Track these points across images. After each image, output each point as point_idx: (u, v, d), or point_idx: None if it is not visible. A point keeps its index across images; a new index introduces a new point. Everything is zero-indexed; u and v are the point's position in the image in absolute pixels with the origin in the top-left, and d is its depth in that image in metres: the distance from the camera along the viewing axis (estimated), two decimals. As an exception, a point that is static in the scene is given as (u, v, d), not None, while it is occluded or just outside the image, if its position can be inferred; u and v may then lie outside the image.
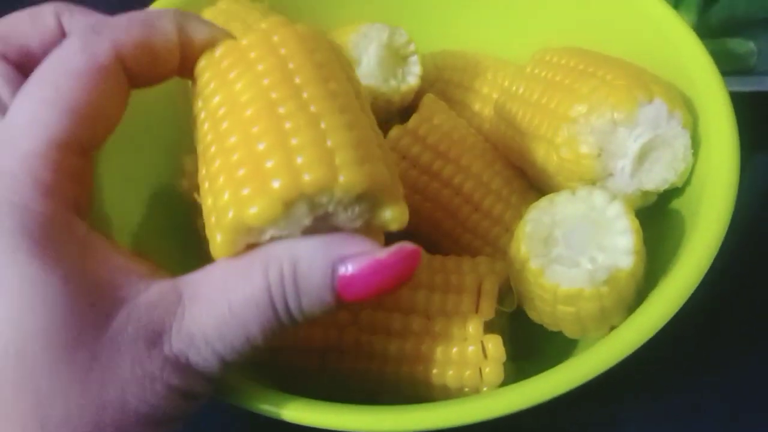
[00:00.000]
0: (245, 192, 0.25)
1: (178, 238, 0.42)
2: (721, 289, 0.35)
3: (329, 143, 0.26)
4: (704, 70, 0.37)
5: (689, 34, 0.38)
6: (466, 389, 0.35)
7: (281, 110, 0.27)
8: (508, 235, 0.40)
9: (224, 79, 0.28)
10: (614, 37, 0.42)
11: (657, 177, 0.36)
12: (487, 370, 0.34)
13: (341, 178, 0.25)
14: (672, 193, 0.37)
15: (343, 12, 0.47)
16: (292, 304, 0.26)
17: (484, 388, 0.35)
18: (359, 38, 0.40)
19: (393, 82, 0.41)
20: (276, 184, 0.25)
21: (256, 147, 0.26)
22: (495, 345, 0.34)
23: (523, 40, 0.47)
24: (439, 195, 0.40)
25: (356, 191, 0.26)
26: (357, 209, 0.27)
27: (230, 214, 0.26)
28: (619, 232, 0.31)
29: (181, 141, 0.41)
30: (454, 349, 0.35)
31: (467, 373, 0.35)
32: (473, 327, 0.34)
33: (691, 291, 0.31)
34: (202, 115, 0.29)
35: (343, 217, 0.27)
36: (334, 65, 0.29)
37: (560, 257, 0.32)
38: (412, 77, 0.42)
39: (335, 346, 0.36)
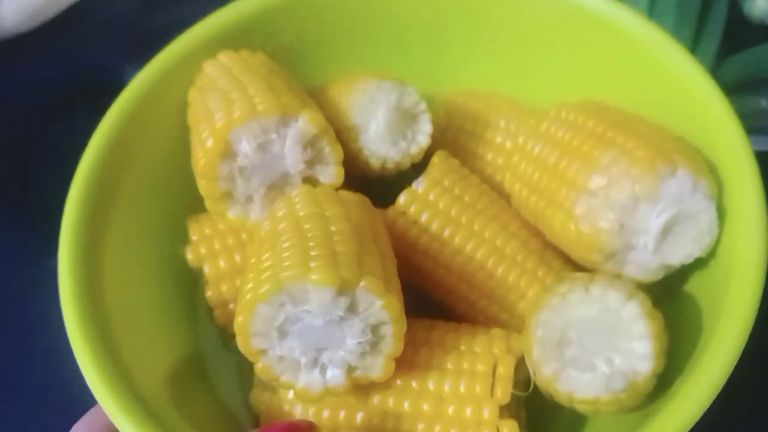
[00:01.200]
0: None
1: (181, 307, 0.41)
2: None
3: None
4: (730, 133, 0.36)
5: (716, 93, 0.37)
6: None
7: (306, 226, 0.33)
8: (525, 300, 0.38)
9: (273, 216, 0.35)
10: (636, 90, 0.40)
11: (681, 252, 0.34)
12: None
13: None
14: (696, 263, 0.35)
15: (347, 58, 0.46)
16: None
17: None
18: (366, 102, 0.39)
19: (402, 144, 0.40)
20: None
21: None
22: (511, 430, 0.33)
23: (540, 81, 0.45)
24: (453, 262, 0.39)
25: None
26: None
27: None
28: (636, 337, 0.30)
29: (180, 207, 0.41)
30: None
31: (482, 457, 0.33)
32: (489, 412, 0.33)
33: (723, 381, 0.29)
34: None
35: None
36: (363, 219, 0.35)
37: (574, 359, 0.31)
38: (423, 137, 0.40)
39: (345, 426, 0.34)
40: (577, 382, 0.30)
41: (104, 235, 0.38)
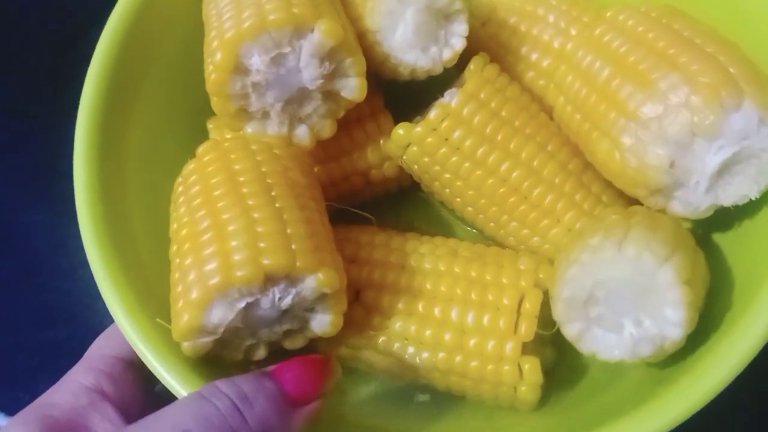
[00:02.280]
0: (209, 267, 0.29)
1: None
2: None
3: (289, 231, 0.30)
4: None
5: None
6: (501, 404, 0.34)
7: (251, 202, 0.30)
8: (560, 226, 0.36)
9: (203, 172, 0.32)
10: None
11: (736, 192, 0.31)
12: (523, 389, 0.33)
13: (298, 263, 0.29)
14: (750, 206, 0.32)
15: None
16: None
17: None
18: (393, 4, 0.34)
19: (434, 49, 0.35)
20: (240, 272, 0.28)
21: (226, 229, 0.30)
22: (532, 368, 0.33)
23: None
24: (484, 183, 0.36)
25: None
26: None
27: (194, 294, 0.29)
28: (670, 303, 0.28)
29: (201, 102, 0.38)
30: (489, 367, 0.33)
31: (502, 389, 0.33)
32: (511, 348, 0.33)
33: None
34: (180, 200, 0.32)
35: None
36: (276, 163, 0.33)
37: (601, 318, 0.29)
38: (457, 40, 0.36)
39: (368, 344, 0.35)
40: (601, 344, 0.29)
41: (124, 132, 0.37)
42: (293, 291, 0.30)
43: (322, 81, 0.33)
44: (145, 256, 0.35)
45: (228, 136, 0.36)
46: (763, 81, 0.30)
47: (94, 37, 0.38)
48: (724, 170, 0.30)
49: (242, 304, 0.29)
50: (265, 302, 0.30)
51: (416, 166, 0.37)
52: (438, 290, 0.34)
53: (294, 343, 0.32)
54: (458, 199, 0.38)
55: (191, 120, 0.40)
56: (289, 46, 0.32)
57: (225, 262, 0.29)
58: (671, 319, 0.28)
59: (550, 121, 0.38)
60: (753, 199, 0.31)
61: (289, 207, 0.31)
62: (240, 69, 0.32)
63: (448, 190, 0.38)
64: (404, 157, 0.37)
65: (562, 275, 0.30)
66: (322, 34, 0.32)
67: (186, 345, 0.30)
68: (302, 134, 0.35)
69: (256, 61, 0.32)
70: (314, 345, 0.34)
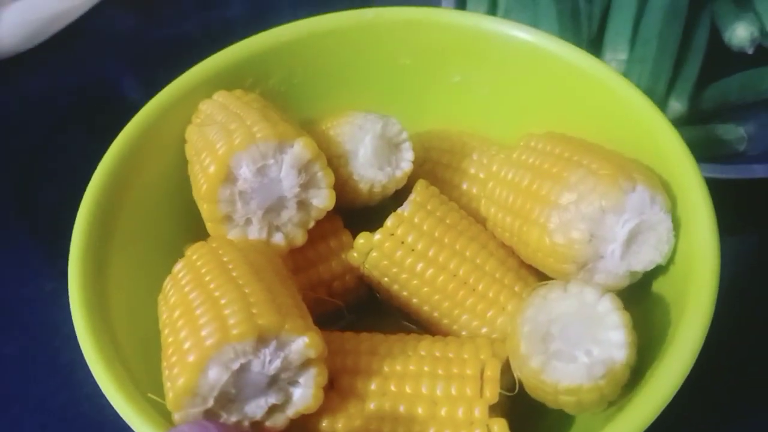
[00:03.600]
0: (205, 332, 0.32)
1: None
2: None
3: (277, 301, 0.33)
4: (681, 157, 0.40)
5: (665, 124, 0.41)
6: None
7: (241, 282, 0.35)
8: (504, 314, 0.42)
9: (193, 267, 0.37)
10: (595, 123, 0.45)
11: (644, 258, 0.38)
12: None
13: (287, 326, 0.32)
14: (657, 270, 0.39)
15: (334, 99, 0.50)
16: None
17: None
18: (354, 130, 0.42)
19: (388, 169, 0.43)
20: (235, 331, 0.32)
21: (219, 302, 0.33)
22: (501, 428, 0.36)
23: (506, 121, 0.49)
24: (436, 280, 0.42)
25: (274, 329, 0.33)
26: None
27: (191, 357, 0.32)
28: (611, 327, 0.33)
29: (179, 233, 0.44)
30: None
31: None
32: (479, 411, 0.36)
33: (689, 369, 0.33)
34: (171, 293, 0.37)
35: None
36: (260, 256, 0.38)
37: (558, 352, 0.34)
38: (406, 163, 0.44)
39: (345, 427, 0.37)
40: (561, 373, 0.33)
41: (109, 258, 0.40)
42: (282, 354, 0.33)
43: (298, 190, 0.39)
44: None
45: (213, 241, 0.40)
46: (648, 172, 0.39)
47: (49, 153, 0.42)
48: (632, 241, 0.38)
49: (236, 366, 0.32)
50: (256, 365, 0.32)
51: (377, 272, 0.43)
52: (407, 370, 0.38)
53: (275, 422, 0.34)
54: (415, 300, 0.43)
55: (170, 247, 0.44)
56: (273, 158, 0.38)
57: (221, 324, 0.32)
58: (615, 341, 0.33)
59: (485, 230, 0.45)
60: (659, 263, 0.38)
61: (276, 286, 0.36)
62: (230, 178, 0.38)
63: (405, 292, 0.43)
64: (366, 264, 0.42)
65: (521, 318, 0.35)
66: (301, 147, 0.38)
67: (177, 417, 0.32)
68: (279, 240, 0.40)
69: (245, 171, 0.38)
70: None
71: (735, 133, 0.57)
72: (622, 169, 0.38)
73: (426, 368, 0.38)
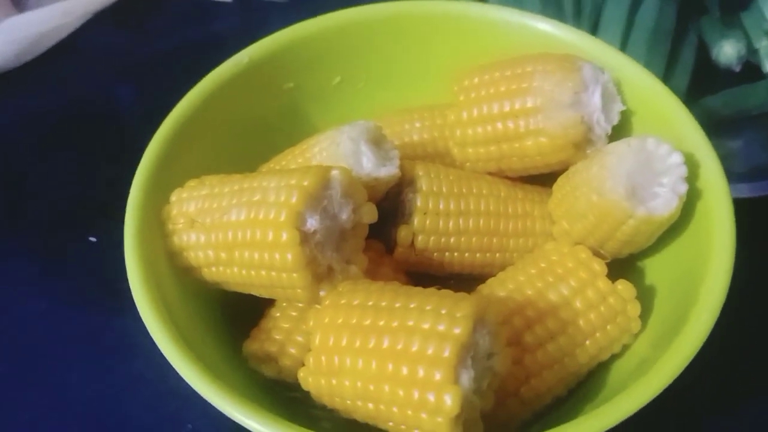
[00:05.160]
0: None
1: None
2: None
3: None
4: (693, 134, 0.44)
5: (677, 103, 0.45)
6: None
7: None
8: (540, 220, 0.47)
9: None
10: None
11: (616, 110, 0.45)
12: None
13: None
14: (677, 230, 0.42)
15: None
16: None
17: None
18: (350, 145, 0.43)
19: (383, 170, 0.44)
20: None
21: None
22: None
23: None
24: (479, 225, 0.46)
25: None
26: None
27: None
28: (666, 155, 0.41)
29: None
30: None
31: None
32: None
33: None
34: None
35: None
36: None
37: (648, 196, 0.40)
38: (396, 160, 0.45)
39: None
40: (661, 206, 0.40)
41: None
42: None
43: (353, 216, 0.39)
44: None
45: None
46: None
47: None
48: (604, 105, 0.44)
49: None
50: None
51: (428, 251, 0.45)
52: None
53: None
54: (467, 254, 0.46)
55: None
56: (325, 197, 0.38)
57: None
58: (676, 161, 0.40)
59: (478, 171, 0.49)
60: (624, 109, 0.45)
61: None
62: (304, 238, 0.37)
63: (457, 253, 0.46)
64: (417, 249, 0.45)
65: (606, 185, 0.40)
66: (340, 173, 0.38)
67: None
68: (354, 272, 0.40)
69: (311, 222, 0.37)
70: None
71: (721, 150, 0.59)
72: (560, 60, 0.45)
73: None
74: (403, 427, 0.34)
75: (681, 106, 0.44)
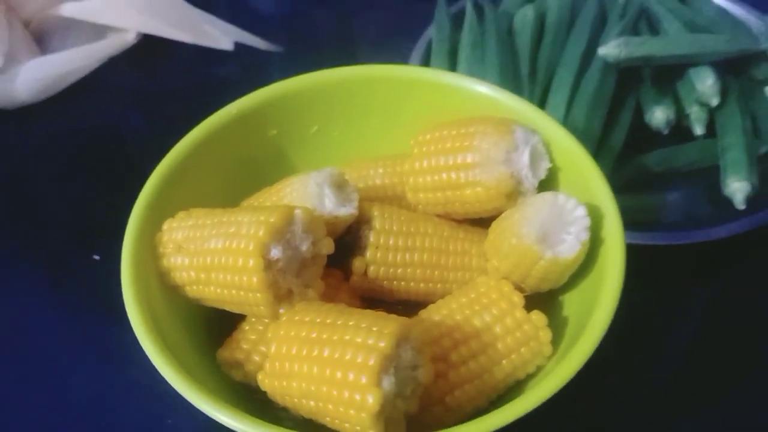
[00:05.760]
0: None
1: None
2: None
3: None
4: (595, 176, 0.52)
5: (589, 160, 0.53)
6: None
7: None
8: (476, 258, 0.55)
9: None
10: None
11: (543, 168, 0.53)
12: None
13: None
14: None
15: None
16: None
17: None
18: (315, 188, 0.52)
19: (343, 210, 0.53)
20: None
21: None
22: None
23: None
24: (423, 258, 0.54)
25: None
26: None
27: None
28: (573, 209, 0.49)
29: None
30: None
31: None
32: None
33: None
34: None
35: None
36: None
37: (556, 242, 0.48)
38: (354, 202, 0.54)
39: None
40: (566, 250, 0.48)
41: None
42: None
43: (312, 248, 0.47)
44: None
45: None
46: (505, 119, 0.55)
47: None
48: (532, 163, 0.52)
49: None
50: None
51: (379, 280, 0.53)
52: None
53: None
54: (412, 284, 0.54)
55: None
56: (289, 232, 0.46)
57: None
58: (580, 215, 0.48)
59: (425, 213, 0.57)
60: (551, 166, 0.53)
61: None
62: (268, 265, 0.45)
63: (404, 282, 0.54)
64: (369, 277, 0.53)
65: (519, 234, 0.49)
66: (302, 212, 0.47)
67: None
68: (311, 295, 0.48)
69: (275, 252, 0.45)
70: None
71: (651, 202, 0.66)
72: (498, 123, 0.54)
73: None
74: (337, 421, 0.42)
75: (595, 166, 0.52)
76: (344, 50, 0.89)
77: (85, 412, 0.58)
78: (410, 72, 0.60)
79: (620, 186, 0.64)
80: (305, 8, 0.98)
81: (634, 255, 0.50)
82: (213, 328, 0.54)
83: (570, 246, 0.48)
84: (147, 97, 0.86)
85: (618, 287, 0.46)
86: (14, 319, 0.64)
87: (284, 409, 0.46)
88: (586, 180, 0.52)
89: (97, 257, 0.66)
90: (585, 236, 0.48)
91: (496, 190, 0.52)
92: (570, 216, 0.48)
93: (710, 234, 0.62)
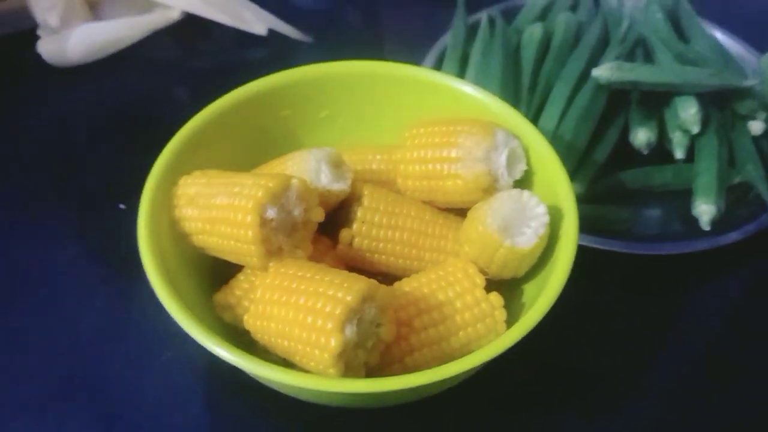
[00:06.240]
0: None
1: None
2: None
3: None
4: (560, 175, 0.59)
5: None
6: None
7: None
8: (450, 242, 0.61)
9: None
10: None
11: (518, 171, 0.60)
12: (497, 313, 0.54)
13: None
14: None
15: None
16: None
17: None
18: (314, 163, 0.59)
19: (336, 185, 0.60)
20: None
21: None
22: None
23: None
24: (403, 237, 0.60)
25: None
26: None
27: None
28: (535, 206, 0.56)
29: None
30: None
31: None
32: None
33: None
34: None
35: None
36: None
37: (516, 233, 0.55)
38: (348, 180, 0.61)
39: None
40: (524, 241, 0.54)
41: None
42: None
43: (304, 214, 0.54)
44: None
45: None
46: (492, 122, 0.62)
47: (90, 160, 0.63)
48: (509, 164, 0.59)
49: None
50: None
51: (361, 251, 0.60)
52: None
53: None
54: (392, 258, 0.61)
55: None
56: (284, 197, 0.53)
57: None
58: (541, 212, 0.55)
59: (413, 198, 0.63)
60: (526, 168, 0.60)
61: None
62: (263, 223, 0.52)
63: (384, 256, 0.60)
64: (354, 248, 0.60)
65: (486, 221, 0.55)
66: (298, 182, 0.54)
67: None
68: (299, 255, 0.55)
69: (271, 213, 0.52)
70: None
71: (620, 214, 0.71)
72: (483, 125, 0.60)
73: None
74: (304, 360, 0.49)
75: (564, 173, 0.58)
76: (368, 45, 0.97)
77: (89, 340, 0.65)
78: (412, 71, 0.67)
79: (600, 196, 0.72)
80: (338, 4, 1.05)
81: (612, 262, 0.57)
82: (216, 276, 0.61)
83: (528, 238, 0.54)
84: (185, 70, 0.94)
85: (561, 281, 0.52)
86: (36, 251, 0.72)
87: (266, 351, 0.53)
88: (555, 185, 0.58)
89: (123, 206, 0.74)
90: (542, 231, 0.54)
91: (474, 184, 0.59)
92: (532, 212, 0.55)
93: (678, 248, 0.68)
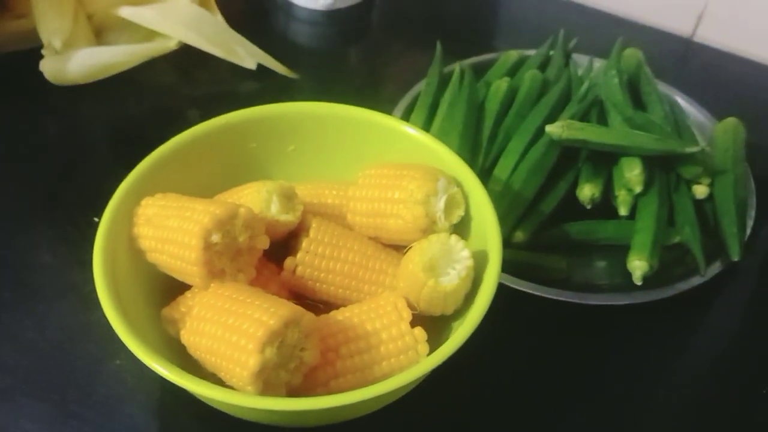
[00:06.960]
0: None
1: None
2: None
3: None
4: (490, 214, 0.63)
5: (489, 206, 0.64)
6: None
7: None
8: (389, 277, 0.66)
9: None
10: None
11: (456, 214, 0.65)
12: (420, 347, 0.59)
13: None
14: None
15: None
16: None
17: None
18: (265, 194, 0.64)
19: (284, 216, 0.65)
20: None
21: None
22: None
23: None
24: (344, 269, 0.65)
25: None
26: None
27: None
28: (460, 250, 0.60)
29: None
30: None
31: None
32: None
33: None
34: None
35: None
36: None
37: (442, 273, 0.59)
38: (298, 212, 0.66)
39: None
40: (447, 281, 0.59)
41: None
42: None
43: (249, 241, 0.59)
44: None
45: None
46: (438, 170, 0.67)
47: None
48: (446, 208, 0.64)
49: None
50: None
51: (304, 279, 0.64)
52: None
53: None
54: (332, 288, 0.65)
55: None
56: (230, 224, 0.58)
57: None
58: (465, 256, 0.59)
59: (358, 233, 0.68)
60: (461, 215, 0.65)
61: None
62: (207, 246, 0.56)
63: (325, 286, 0.65)
64: (297, 275, 0.64)
65: (415, 262, 0.60)
66: (245, 211, 0.59)
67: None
68: (241, 279, 0.60)
69: (215, 237, 0.57)
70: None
71: (557, 263, 0.74)
72: (427, 171, 0.65)
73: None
74: (228, 376, 0.53)
75: (496, 223, 0.62)
76: (350, 87, 1.02)
77: (52, 338, 0.70)
78: (370, 116, 0.72)
79: (544, 245, 0.77)
80: (329, 46, 1.12)
81: (553, 310, 0.62)
82: (170, 292, 0.66)
83: (450, 278, 0.58)
84: (178, 97, 1.00)
85: (477, 318, 0.56)
86: (18, 254, 0.78)
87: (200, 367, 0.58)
88: (486, 232, 0.62)
89: (97, 220, 0.79)
90: (464, 273, 0.58)
91: (413, 225, 0.63)
92: (458, 255, 0.59)
93: (606, 299, 0.71)
